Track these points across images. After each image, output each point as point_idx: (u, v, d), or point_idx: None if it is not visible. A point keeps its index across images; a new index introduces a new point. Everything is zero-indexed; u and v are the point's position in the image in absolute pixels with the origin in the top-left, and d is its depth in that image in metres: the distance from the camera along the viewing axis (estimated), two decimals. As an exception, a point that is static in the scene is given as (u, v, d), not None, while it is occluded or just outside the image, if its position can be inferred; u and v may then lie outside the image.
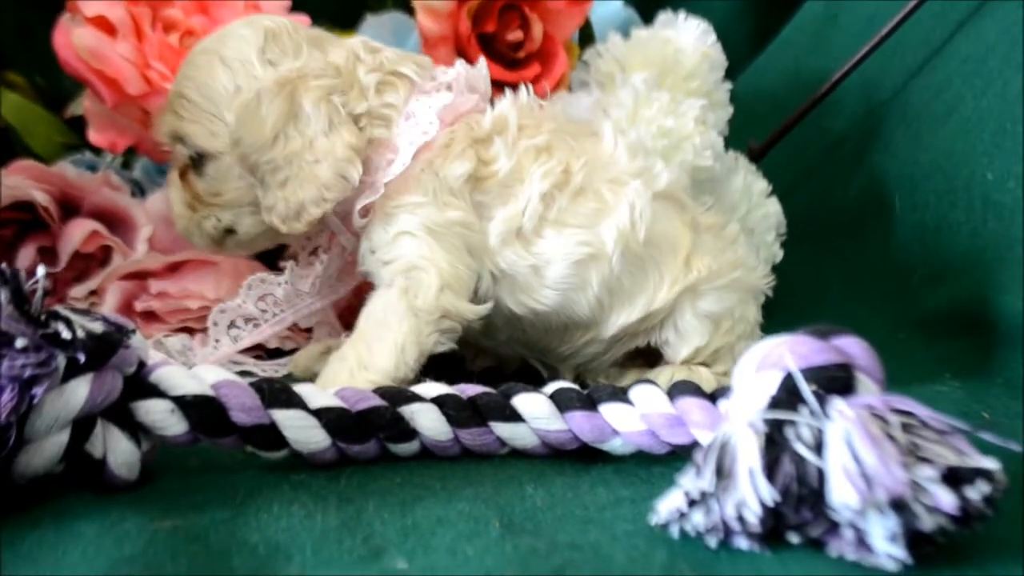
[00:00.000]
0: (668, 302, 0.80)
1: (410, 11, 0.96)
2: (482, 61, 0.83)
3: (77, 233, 0.92)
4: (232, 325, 0.87)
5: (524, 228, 0.76)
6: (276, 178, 0.76)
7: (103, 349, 0.54)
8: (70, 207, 0.95)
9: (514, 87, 0.90)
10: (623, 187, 0.78)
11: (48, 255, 0.94)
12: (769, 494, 0.48)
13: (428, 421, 0.63)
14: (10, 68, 1.19)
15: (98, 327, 0.54)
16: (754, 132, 1.21)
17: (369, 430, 0.62)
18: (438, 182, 0.76)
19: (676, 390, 0.63)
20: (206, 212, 0.80)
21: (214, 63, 0.77)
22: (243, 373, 0.84)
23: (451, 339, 0.76)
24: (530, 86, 0.83)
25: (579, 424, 0.64)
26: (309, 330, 0.93)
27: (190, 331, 0.92)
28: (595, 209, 0.78)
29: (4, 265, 0.53)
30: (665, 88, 0.97)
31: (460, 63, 0.81)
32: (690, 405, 0.61)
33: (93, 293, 0.93)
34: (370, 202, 0.77)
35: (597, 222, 0.77)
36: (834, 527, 0.49)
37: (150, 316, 0.92)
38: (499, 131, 0.78)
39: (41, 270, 0.54)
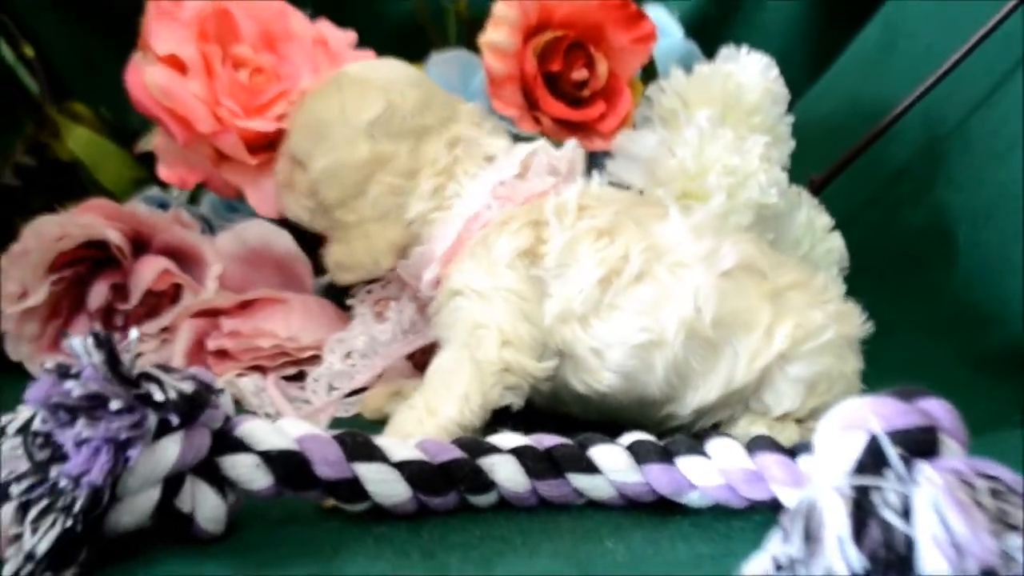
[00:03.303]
0: (752, 378, 0.77)
1: (476, 49, 0.96)
2: (572, 142, 0.84)
3: (148, 271, 0.93)
4: (331, 388, 0.89)
5: (579, 311, 0.76)
6: (335, 232, 0.84)
7: (194, 409, 0.55)
8: (141, 244, 0.96)
9: (580, 126, 0.91)
10: (685, 271, 0.76)
11: (120, 292, 0.95)
12: (858, 561, 0.48)
13: (506, 473, 0.63)
14: (74, 100, 1.21)
15: (188, 387, 0.55)
16: (811, 159, 1.19)
17: (449, 482, 0.62)
18: (489, 256, 0.77)
19: (755, 445, 0.63)
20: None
21: (334, 106, 0.82)
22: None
23: (518, 395, 0.76)
24: (603, 175, 0.85)
25: (656, 477, 0.64)
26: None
27: (262, 370, 0.92)
28: (654, 295, 0.76)
29: (99, 328, 0.54)
30: (728, 124, 0.96)
31: (543, 142, 0.83)
32: (769, 461, 0.61)
33: (165, 330, 0.94)
34: (437, 275, 0.81)
35: (657, 308, 0.76)
36: (922, 594, 0.49)
37: (222, 355, 0.93)
38: (558, 213, 0.78)
39: (134, 333, 0.55)
